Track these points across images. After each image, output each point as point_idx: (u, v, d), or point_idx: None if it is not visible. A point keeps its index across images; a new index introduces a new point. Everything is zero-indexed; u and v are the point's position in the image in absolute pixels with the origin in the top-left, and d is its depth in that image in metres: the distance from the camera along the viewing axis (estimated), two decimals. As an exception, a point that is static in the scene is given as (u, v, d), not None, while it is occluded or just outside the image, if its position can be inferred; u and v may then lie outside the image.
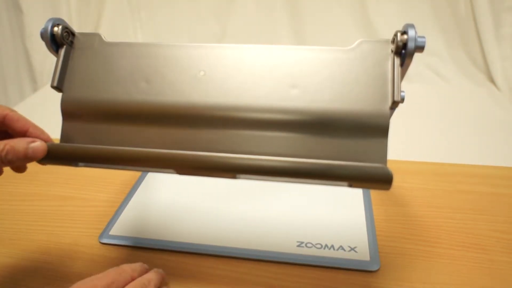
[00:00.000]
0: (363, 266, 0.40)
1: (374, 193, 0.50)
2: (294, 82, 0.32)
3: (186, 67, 0.34)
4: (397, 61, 0.31)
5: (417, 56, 0.30)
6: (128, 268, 0.34)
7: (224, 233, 0.44)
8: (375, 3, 1.30)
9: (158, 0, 1.44)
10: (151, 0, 1.45)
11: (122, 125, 0.34)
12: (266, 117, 0.32)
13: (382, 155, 0.30)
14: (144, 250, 0.43)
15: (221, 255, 0.42)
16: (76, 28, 0.36)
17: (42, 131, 0.35)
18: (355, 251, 0.41)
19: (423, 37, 0.29)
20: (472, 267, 0.40)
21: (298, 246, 0.42)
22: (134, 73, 0.35)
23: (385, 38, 0.32)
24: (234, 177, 0.32)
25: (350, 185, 0.30)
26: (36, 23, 1.40)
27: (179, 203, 0.50)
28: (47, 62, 1.44)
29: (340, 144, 0.31)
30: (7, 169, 0.38)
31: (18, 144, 0.32)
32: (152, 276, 0.35)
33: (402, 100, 0.30)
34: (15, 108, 0.36)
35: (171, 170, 0.32)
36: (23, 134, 0.35)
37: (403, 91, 0.30)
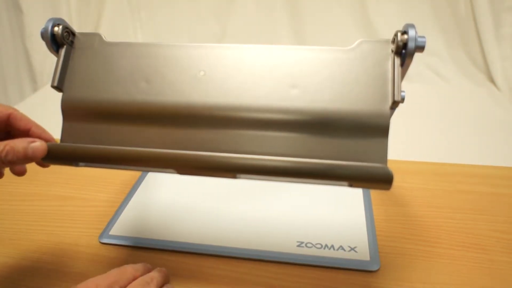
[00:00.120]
0: (363, 266, 0.40)
1: (374, 193, 0.50)
2: (294, 82, 0.32)
3: (186, 67, 0.34)
4: (397, 61, 0.31)
5: (417, 56, 0.30)
6: (131, 268, 0.34)
7: (224, 233, 0.44)
8: (375, 3, 1.30)
9: (158, 0, 1.44)
10: (151, 0, 1.45)
11: (122, 125, 0.34)
12: (266, 117, 0.32)
13: (382, 155, 0.30)
14: (144, 250, 0.43)
15: (221, 255, 0.42)
16: (76, 28, 0.36)
17: (44, 130, 0.35)
18: (355, 251, 0.41)
19: (423, 37, 0.29)
20: (472, 267, 0.40)
21: (298, 246, 0.42)
22: (134, 73, 0.35)
23: (385, 38, 0.32)
24: (235, 177, 0.32)
25: (351, 185, 0.30)
26: (36, 23, 1.40)
27: (179, 203, 0.50)
28: (47, 62, 1.44)
29: (340, 144, 0.31)
30: (7, 169, 0.38)
31: (18, 144, 0.32)
32: (154, 274, 0.35)
33: (402, 100, 0.30)
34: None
35: (171, 170, 0.32)
36: (25, 132, 0.35)
37: (403, 91, 0.30)
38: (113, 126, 0.35)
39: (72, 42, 0.36)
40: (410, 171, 0.55)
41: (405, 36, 0.29)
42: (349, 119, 0.31)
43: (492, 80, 1.23)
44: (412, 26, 0.29)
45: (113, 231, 0.45)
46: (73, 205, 0.51)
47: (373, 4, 1.30)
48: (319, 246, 0.42)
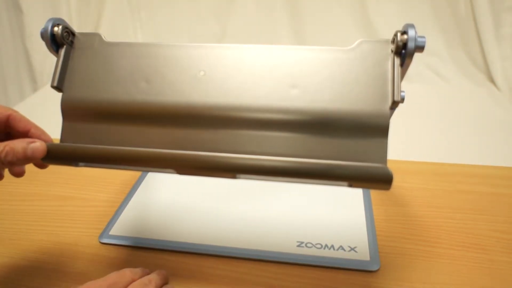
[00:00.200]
0: (363, 266, 0.40)
1: (374, 193, 0.50)
2: (294, 82, 0.32)
3: (186, 67, 0.34)
4: (397, 61, 0.31)
5: (417, 56, 0.30)
6: (129, 272, 0.34)
7: (224, 233, 0.44)
8: (375, 3, 1.30)
9: (158, 0, 1.44)
10: (151, 0, 1.45)
11: (122, 125, 0.34)
12: (266, 117, 0.32)
13: (382, 155, 0.30)
14: (144, 250, 0.43)
15: (221, 255, 0.42)
16: (76, 28, 0.36)
17: (43, 132, 0.35)
18: (355, 251, 0.41)
19: (423, 37, 0.29)
20: (472, 267, 0.40)
21: (298, 246, 0.42)
22: (134, 73, 0.35)
23: (385, 38, 0.32)
24: (234, 177, 0.32)
25: (350, 185, 0.30)
26: (36, 23, 1.40)
27: (179, 203, 0.50)
28: (47, 62, 1.44)
29: (340, 144, 0.31)
30: (6, 170, 0.38)
31: (17, 145, 0.32)
32: (153, 276, 0.35)
33: (402, 100, 0.30)
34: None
35: (171, 170, 0.32)
36: (25, 134, 0.35)
37: (403, 91, 0.30)
38: (113, 126, 0.35)
39: (72, 42, 0.36)
40: (410, 171, 0.55)
41: (405, 36, 0.29)
42: (349, 119, 0.31)
43: (492, 80, 1.23)
44: (412, 26, 0.29)
45: (113, 231, 0.45)
46: (73, 205, 0.51)
47: (373, 4, 1.30)
48: (319, 246, 0.42)
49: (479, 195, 0.50)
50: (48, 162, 0.35)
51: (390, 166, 0.29)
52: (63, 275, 0.41)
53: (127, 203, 0.50)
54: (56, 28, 0.34)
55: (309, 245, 0.42)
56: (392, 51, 0.31)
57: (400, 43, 0.30)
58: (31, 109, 1.21)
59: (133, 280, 0.33)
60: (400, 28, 0.30)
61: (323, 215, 0.47)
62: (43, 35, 0.34)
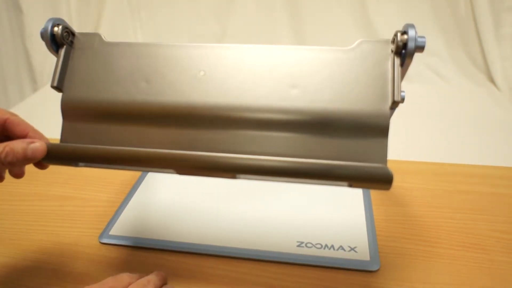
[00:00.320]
0: (363, 266, 0.40)
1: (374, 193, 0.50)
2: (294, 82, 0.32)
3: (186, 67, 0.34)
4: (397, 61, 0.31)
5: (417, 56, 0.30)
6: (127, 276, 0.34)
7: (224, 233, 0.44)
8: (375, 3, 1.30)
9: (158, 0, 1.44)
10: (151, 0, 1.45)
11: (122, 125, 0.34)
12: (266, 117, 0.32)
13: (382, 155, 0.30)
14: (144, 250, 0.43)
15: (221, 255, 0.42)
16: (76, 28, 0.36)
17: (41, 135, 0.35)
18: (355, 251, 0.41)
19: (423, 37, 0.29)
20: (472, 267, 0.40)
21: (298, 246, 0.42)
22: (134, 73, 0.35)
23: (385, 38, 0.32)
24: (234, 177, 0.32)
25: (350, 185, 0.30)
26: (36, 23, 1.40)
27: (179, 203, 0.50)
28: (47, 62, 1.44)
29: (340, 144, 0.31)
30: (6, 172, 0.38)
31: (17, 145, 0.32)
32: (151, 277, 0.35)
33: (402, 100, 0.30)
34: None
35: (171, 170, 0.32)
36: (23, 138, 0.35)
37: (403, 91, 0.30)
38: (113, 126, 0.35)
39: (72, 42, 0.36)
40: (410, 171, 0.55)
41: (405, 36, 0.29)
42: (349, 119, 0.31)
43: (492, 80, 1.23)
44: (412, 26, 0.29)
45: (113, 231, 0.45)
46: (73, 205, 0.51)
47: (373, 4, 1.30)
48: (319, 246, 0.42)
49: (479, 195, 0.50)
50: (48, 162, 0.35)
51: (390, 166, 0.29)
52: (63, 275, 0.41)
53: (127, 203, 0.50)
54: (56, 28, 0.34)
55: (309, 245, 0.42)
56: (392, 51, 0.31)
57: (400, 43, 0.30)
58: (31, 109, 1.21)
59: (130, 283, 0.33)
60: (400, 28, 0.30)
61: (323, 215, 0.47)
62: (43, 35, 0.34)
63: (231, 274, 0.40)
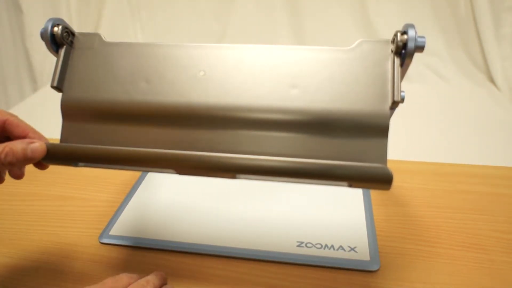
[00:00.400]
0: (363, 266, 0.40)
1: (374, 193, 0.50)
2: (294, 82, 0.32)
3: (186, 67, 0.34)
4: (397, 61, 0.31)
5: (417, 56, 0.30)
6: (125, 276, 0.34)
7: (224, 233, 0.44)
8: (375, 3, 1.30)
9: (158, 0, 1.44)
10: (151, 0, 1.45)
11: (122, 125, 0.34)
12: (266, 117, 0.32)
13: (382, 155, 0.30)
14: (144, 250, 0.43)
15: (221, 255, 0.42)
16: (76, 28, 0.36)
17: (41, 136, 0.35)
18: (355, 251, 0.41)
19: (423, 37, 0.29)
20: (472, 267, 0.40)
21: (298, 246, 0.42)
22: (134, 73, 0.35)
23: (385, 38, 0.32)
24: (234, 177, 0.32)
25: (350, 185, 0.30)
26: (36, 23, 1.40)
27: (179, 203, 0.50)
28: (47, 62, 1.44)
29: (340, 144, 0.31)
30: (6, 173, 0.38)
31: (17, 145, 0.32)
32: (150, 277, 0.35)
33: (402, 100, 0.30)
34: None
35: (171, 170, 0.32)
36: (23, 139, 0.35)
37: (403, 91, 0.30)
38: (113, 126, 0.35)
39: (71, 42, 0.36)
40: (410, 171, 0.55)
41: (405, 36, 0.29)
42: (349, 119, 0.31)
43: (492, 80, 1.23)
44: (412, 26, 0.29)
45: (113, 231, 0.45)
46: (73, 205, 0.51)
47: (373, 4, 1.30)
48: (319, 246, 0.42)
49: (479, 195, 0.50)
50: (48, 162, 0.35)
51: (390, 166, 0.29)
52: (63, 275, 0.41)
53: (127, 203, 0.50)
54: (56, 28, 0.34)
55: (309, 245, 0.42)
56: (392, 51, 0.31)
57: (400, 43, 0.30)
58: (31, 109, 1.21)
59: (129, 283, 0.33)
60: (400, 28, 0.30)
61: (323, 215, 0.47)
62: (43, 35, 0.34)
63: (231, 274, 0.40)
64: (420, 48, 0.29)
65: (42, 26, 0.34)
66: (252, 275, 0.40)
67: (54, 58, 0.36)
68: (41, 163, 0.36)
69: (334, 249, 0.42)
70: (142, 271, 0.40)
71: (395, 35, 0.30)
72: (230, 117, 0.33)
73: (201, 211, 0.48)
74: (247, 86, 0.33)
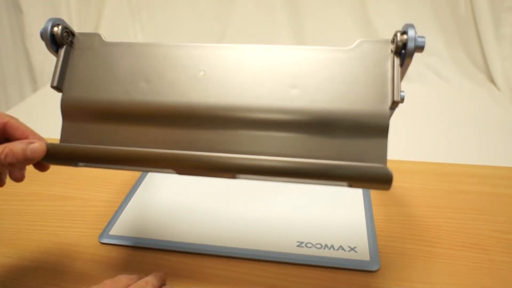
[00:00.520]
0: (363, 266, 0.40)
1: (374, 193, 0.50)
2: (294, 82, 0.32)
3: (186, 67, 0.34)
4: (397, 61, 0.31)
5: (417, 56, 0.30)
6: (124, 278, 0.34)
7: (224, 233, 0.44)
8: (375, 3, 1.30)
9: (158, 0, 1.44)
10: (151, 0, 1.45)
11: (122, 125, 0.34)
12: (266, 117, 0.32)
13: (382, 155, 0.30)
14: (144, 250, 0.43)
15: (221, 255, 0.42)
16: (76, 28, 0.36)
17: (41, 138, 0.35)
18: (355, 251, 0.41)
19: (423, 37, 0.29)
20: (472, 267, 0.40)
21: (298, 246, 0.42)
22: (134, 73, 0.35)
23: (385, 38, 0.32)
24: (234, 177, 0.32)
25: (350, 185, 0.30)
26: (36, 23, 1.40)
27: (179, 203, 0.50)
28: (47, 62, 1.44)
29: (340, 144, 0.31)
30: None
31: (16, 146, 0.32)
32: (149, 278, 0.35)
33: (402, 100, 0.30)
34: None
35: (171, 170, 0.32)
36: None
37: (403, 91, 0.30)
38: (113, 126, 0.35)
39: (71, 42, 0.36)
40: (410, 171, 0.55)
41: (405, 36, 0.29)
42: (349, 119, 0.31)
43: (492, 80, 1.23)
44: (412, 26, 0.29)
45: (113, 231, 0.45)
46: (73, 205, 0.51)
47: (373, 4, 1.30)
48: (319, 246, 0.42)
49: (479, 195, 0.50)
50: (48, 162, 0.35)
51: (390, 166, 0.29)
52: (63, 275, 0.41)
53: (127, 203, 0.50)
54: (55, 28, 0.34)
55: (309, 245, 0.42)
56: (392, 51, 0.31)
57: (400, 43, 0.30)
58: (31, 109, 1.21)
59: (128, 285, 0.33)
60: (400, 28, 0.30)
61: (323, 215, 0.47)
62: (43, 35, 0.34)
63: (231, 274, 0.40)
64: (420, 48, 0.29)
65: (42, 26, 0.34)
66: (252, 275, 0.40)
67: (54, 58, 0.36)
68: (41, 164, 0.36)
69: (334, 249, 0.42)
70: (142, 271, 0.40)
71: (395, 35, 0.30)
72: (230, 117, 0.33)
73: (201, 211, 0.48)
74: (247, 86, 0.33)
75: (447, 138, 0.98)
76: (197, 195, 0.51)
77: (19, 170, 0.37)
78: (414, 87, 1.21)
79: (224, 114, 0.33)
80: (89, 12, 1.47)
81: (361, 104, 0.31)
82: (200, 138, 0.33)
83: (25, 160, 0.32)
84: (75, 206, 0.51)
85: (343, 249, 0.42)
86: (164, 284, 0.36)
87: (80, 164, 0.34)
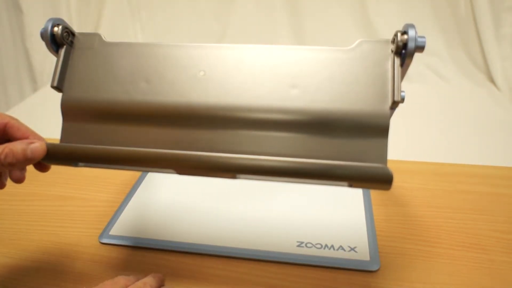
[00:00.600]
0: (363, 266, 0.40)
1: (374, 193, 0.50)
2: (294, 82, 0.32)
3: (186, 67, 0.34)
4: (397, 61, 0.31)
5: (417, 56, 0.30)
6: (122, 279, 0.34)
7: (224, 233, 0.44)
8: (375, 3, 1.30)
9: (158, 0, 1.44)
10: (151, 0, 1.45)
11: (122, 125, 0.34)
12: (266, 117, 0.32)
13: (382, 155, 0.30)
14: (144, 250, 0.43)
15: (221, 255, 0.42)
16: (76, 28, 0.36)
17: (41, 139, 0.35)
18: (355, 251, 0.41)
19: (423, 37, 0.29)
20: (472, 267, 0.40)
21: (298, 246, 0.42)
22: (134, 73, 0.35)
23: (385, 38, 0.32)
24: (234, 177, 0.32)
25: (350, 185, 0.30)
26: (36, 23, 1.40)
27: (179, 203, 0.50)
28: (47, 62, 1.44)
29: (340, 144, 0.31)
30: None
31: (17, 146, 0.32)
32: (148, 279, 0.35)
33: (402, 100, 0.30)
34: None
35: (171, 170, 0.32)
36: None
37: (403, 91, 0.30)
38: (113, 126, 0.35)
39: (71, 42, 0.36)
40: (410, 171, 0.55)
41: (405, 36, 0.29)
42: (349, 119, 0.31)
43: (492, 80, 1.23)
44: (412, 26, 0.29)
45: (113, 231, 0.45)
46: (73, 205, 0.51)
47: (373, 4, 1.30)
48: (319, 246, 0.42)
49: (479, 195, 0.50)
50: (48, 162, 0.35)
51: (390, 166, 0.29)
52: (63, 275, 0.41)
53: (127, 203, 0.50)
54: (56, 28, 0.34)
55: (309, 245, 0.42)
56: (392, 51, 0.31)
57: (400, 43, 0.30)
58: (31, 109, 1.21)
59: (127, 286, 0.33)
60: (400, 28, 0.30)
61: (323, 215, 0.47)
62: (43, 35, 0.34)
63: (231, 274, 0.40)
64: (420, 48, 0.29)
65: (42, 26, 0.34)
66: (252, 275, 0.40)
67: (54, 58, 0.36)
68: (42, 164, 0.36)
69: (334, 249, 0.42)
70: (142, 271, 0.40)
71: (395, 35, 0.30)
72: (230, 117, 0.33)
73: (201, 211, 0.48)
74: (247, 86, 0.33)
75: (447, 138, 0.98)
76: (197, 195, 0.51)
77: (19, 171, 0.37)
78: (414, 87, 1.22)
79: (224, 114, 0.33)
80: (89, 12, 1.47)
81: (361, 104, 0.31)
82: (200, 138, 0.33)
83: (25, 160, 0.32)
84: (75, 206, 0.51)
85: (343, 249, 0.42)
86: (163, 285, 0.36)
87: (80, 164, 0.34)
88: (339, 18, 1.34)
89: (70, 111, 0.35)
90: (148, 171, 0.55)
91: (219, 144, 0.33)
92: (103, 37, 0.36)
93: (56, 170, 0.37)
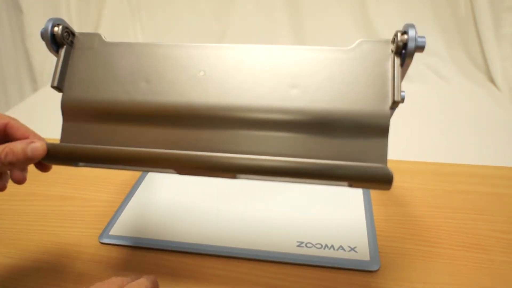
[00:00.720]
0: (363, 266, 0.40)
1: (374, 193, 0.50)
2: (294, 82, 0.32)
3: (186, 67, 0.34)
4: (397, 61, 0.31)
5: (417, 56, 0.30)
6: (117, 280, 0.34)
7: (224, 233, 0.44)
8: (375, 3, 1.30)
9: (158, 0, 1.44)
10: (151, 0, 1.45)
11: (122, 125, 0.34)
12: (266, 117, 0.32)
13: (382, 155, 0.30)
14: (144, 250, 0.43)
15: (221, 255, 0.42)
16: (76, 28, 0.36)
17: (41, 139, 0.35)
18: (355, 251, 0.41)
19: (423, 37, 0.29)
20: (472, 267, 0.40)
21: (298, 246, 0.42)
22: (134, 73, 0.35)
23: (385, 38, 0.32)
24: (234, 177, 0.32)
25: (350, 185, 0.30)
26: (36, 23, 1.40)
27: (179, 203, 0.50)
28: (47, 62, 1.44)
29: (340, 144, 0.31)
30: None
31: (17, 145, 0.32)
32: (141, 280, 0.34)
33: (402, 100, 0.30)
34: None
35: (171, 170, 0.32)
36: None
37: (403, 91, 0.30)
38: (113, 126, 0.35)
39: (72, 42, 0.36)
40: (410, 171, 0.55)
41: (405, 36, 0.29)
42: (349, 119, 0.31)
43: (492, 80, 1.23)
44: (412, 26, 0.29)
45: (113, 231, 0.45)
46: (73, 205, 0.51)
47: (373, 4, 1.30)
48: (319, 246, 0.42)
49: (479, 195, 0.50)
50: (48, 162, 0.35)
51: (390, 166, 0.29)
52: (63, 275, 0.41)
53: (127, 203, 0.50)
54: (56, 28, 0.34)
55: (309, 245, 0.42)
56: (392, 51, 0.31)
57: (400, 43, 0.30)
58: (31, 109, 1.21)
59: (121, 287, 0.33)
60: (400, 28, 0.30)
61: (323, 215, 0.47)
62: (43, 35, 0.34)
63: (231, 274, 0.40)
64: (420, 48, 0.29)
65: (42, 26, 0.34)
66: (252, 275, 0.40)
67: (54, 58, 0.36)
68: (43, 164, 0.36)
69: (334, 249, 0.42)
70: (142, 271, 0.40)
71: (395, 35, 0.30)
72: (230, 117, 0.33)
73: (201, 211, 0.48)
74: (247, 86, 0.33)
75: (447, 138, 0.98)
76: (197, 195, 0.51)
77: (20, 171, 0.37)
78: (414, 87, 1.22)
79: (224, 114, 0.33)
80: (89, 12, 1.47)
81: (361, 104, 0.31)
82: (200, 138, 0.33)
83: (26, 159, 0.32)
84: (75, 206, 0.51)
85: (343, 249, 0.42)
86: (157, 287, 0.36)
87: (80, 164, 0.34)
88: (339, 18, 1.34)
89: (70, 111, 0.35)
90: (148, 171, 0.55)
91: (219, 144, 0.33)
92: (103, 37, 0.36)
93: (56, 170, 0.37)
